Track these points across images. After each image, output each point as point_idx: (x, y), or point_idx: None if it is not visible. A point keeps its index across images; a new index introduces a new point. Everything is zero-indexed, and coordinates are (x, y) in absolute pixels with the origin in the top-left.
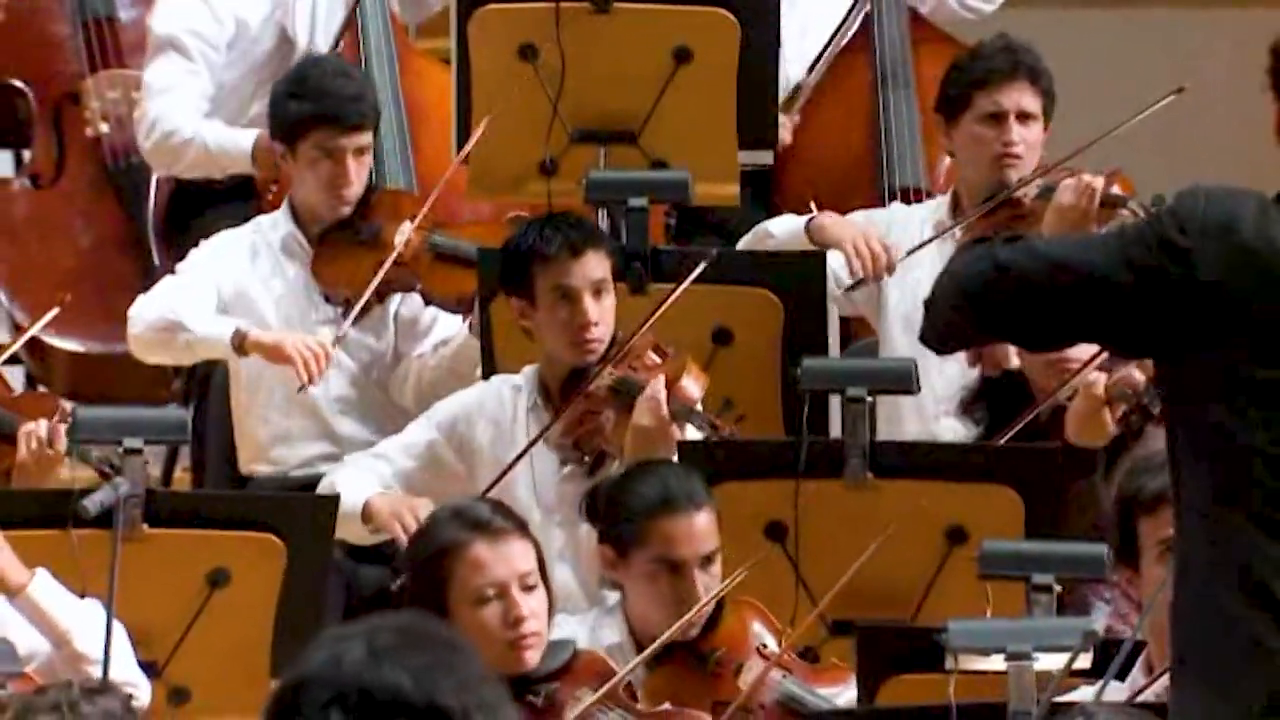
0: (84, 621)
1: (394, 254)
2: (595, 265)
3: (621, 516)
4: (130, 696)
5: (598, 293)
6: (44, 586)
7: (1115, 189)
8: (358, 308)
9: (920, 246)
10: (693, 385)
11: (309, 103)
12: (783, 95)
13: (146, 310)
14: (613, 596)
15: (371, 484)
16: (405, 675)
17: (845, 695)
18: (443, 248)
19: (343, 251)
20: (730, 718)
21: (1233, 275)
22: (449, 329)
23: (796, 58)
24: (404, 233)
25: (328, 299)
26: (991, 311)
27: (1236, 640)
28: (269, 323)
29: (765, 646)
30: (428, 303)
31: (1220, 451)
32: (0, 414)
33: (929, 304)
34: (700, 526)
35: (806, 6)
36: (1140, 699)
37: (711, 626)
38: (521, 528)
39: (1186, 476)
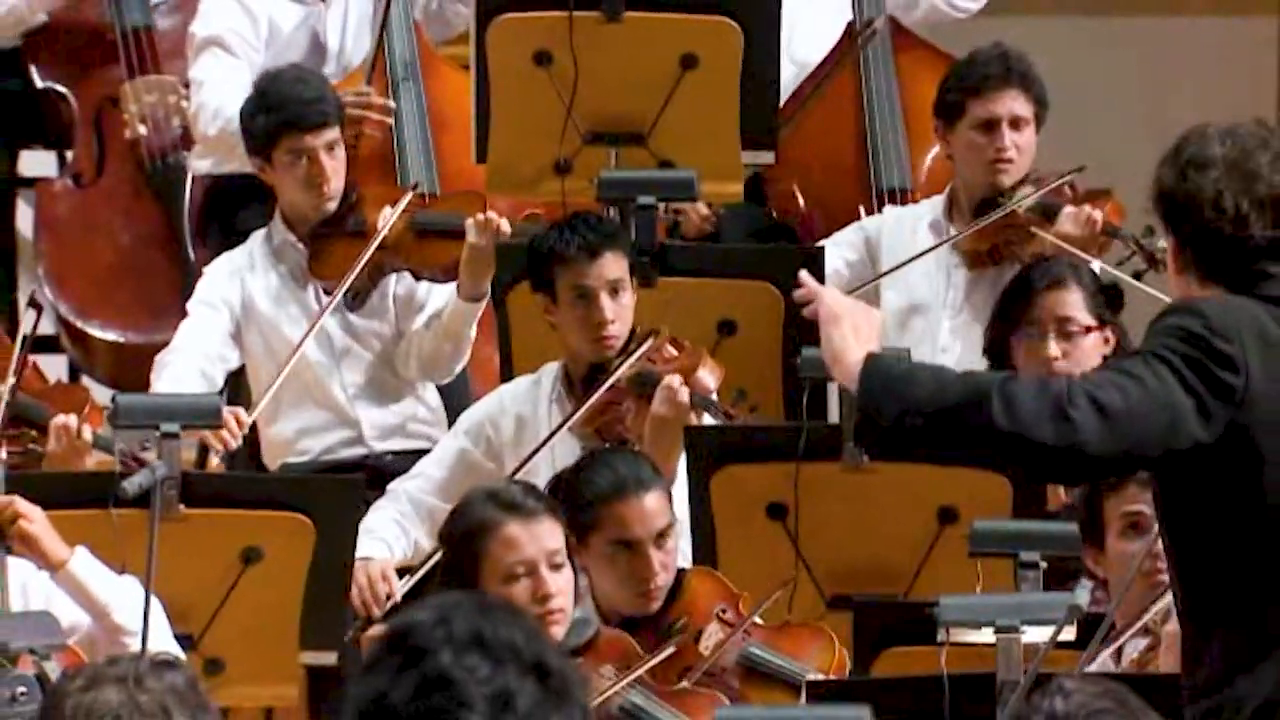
0: (122, 596)
1: (378, 238)
2: (612, 266)
3: (577, 504)
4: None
5: (615, 291)
6: (84, 562)
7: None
8: (339, 291)
9: (918, 256)
10: (708, 376)
11: (273, 113)
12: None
13: (153, 374)
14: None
15: (376, 547)
16: (517, 631)
17: (813, 658)
18: (425, 224)
19: (335, 245)
20: (697, 682)
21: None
22: (443, 299)
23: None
24: (385, 217)
25: (328, 292)
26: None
27: None
28: (279, 326)
29: (725, 612)
30: (418, 278)
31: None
32: (32, 404)
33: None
34: (650, 506)
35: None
36: (1110, 667)
37: (672, 598)
38: (551, 509)
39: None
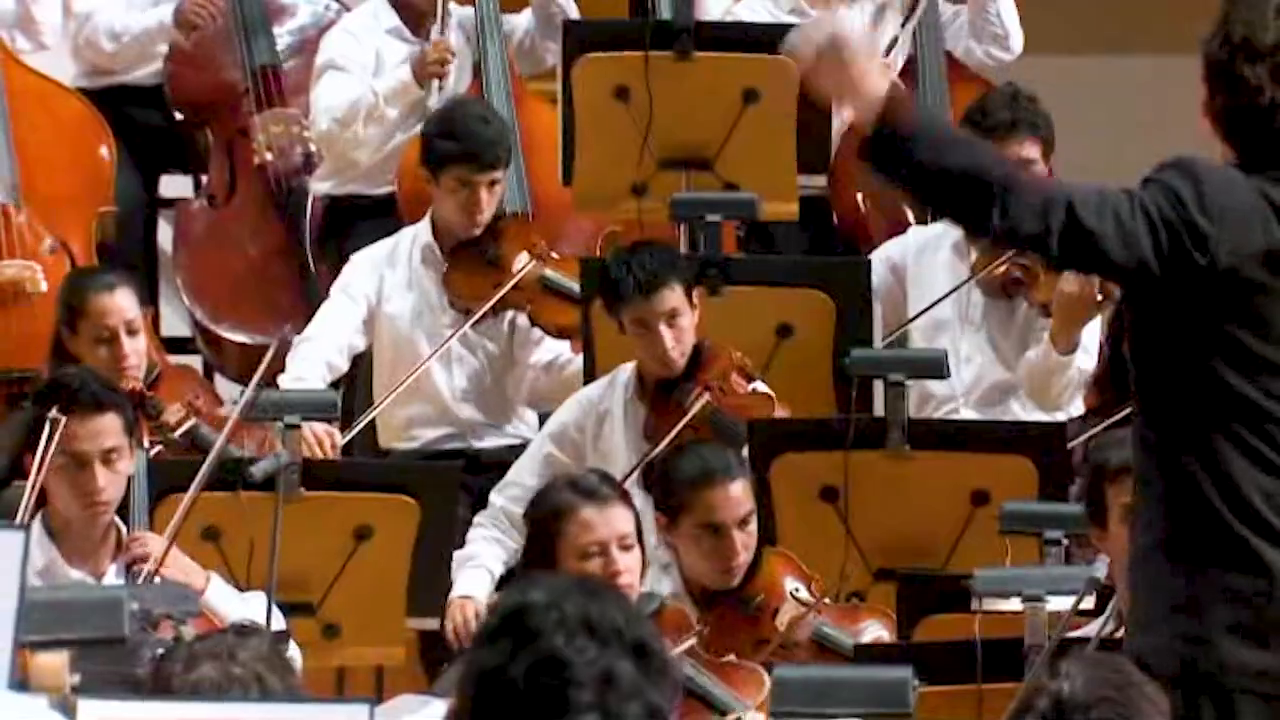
0: (250, 614)
1: (513, 281)
2: (666, 299)
3: (670, 489)
4: (277, 635)
5: (672, 319)
6: (217, 590)
7: None
8: (474, 318)
9: (941, 299)
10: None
11: (454, 141)
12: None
13: (289, 356)
14: (666, 556)
15: (477, 581)
16: (621, 613)
17: (870, 633)
18: (552, 282)
19: (469, 268)
20: (773, 654)
21: (1244, 264)
22: (561, 344)
23: None
24: (522, 261)
25: (452, 305)
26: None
27: (1226, 538)
28: (405, 321)
29: (798, 591)
30: (533, 325)
31: (1212, 394)
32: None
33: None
34: (735, 494)
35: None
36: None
37: (751, 575)
38: (624, 496)
39: (1169, 410)
